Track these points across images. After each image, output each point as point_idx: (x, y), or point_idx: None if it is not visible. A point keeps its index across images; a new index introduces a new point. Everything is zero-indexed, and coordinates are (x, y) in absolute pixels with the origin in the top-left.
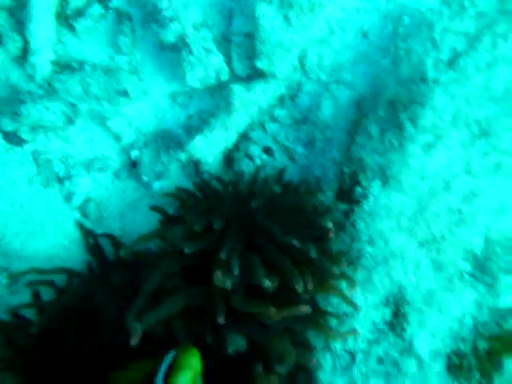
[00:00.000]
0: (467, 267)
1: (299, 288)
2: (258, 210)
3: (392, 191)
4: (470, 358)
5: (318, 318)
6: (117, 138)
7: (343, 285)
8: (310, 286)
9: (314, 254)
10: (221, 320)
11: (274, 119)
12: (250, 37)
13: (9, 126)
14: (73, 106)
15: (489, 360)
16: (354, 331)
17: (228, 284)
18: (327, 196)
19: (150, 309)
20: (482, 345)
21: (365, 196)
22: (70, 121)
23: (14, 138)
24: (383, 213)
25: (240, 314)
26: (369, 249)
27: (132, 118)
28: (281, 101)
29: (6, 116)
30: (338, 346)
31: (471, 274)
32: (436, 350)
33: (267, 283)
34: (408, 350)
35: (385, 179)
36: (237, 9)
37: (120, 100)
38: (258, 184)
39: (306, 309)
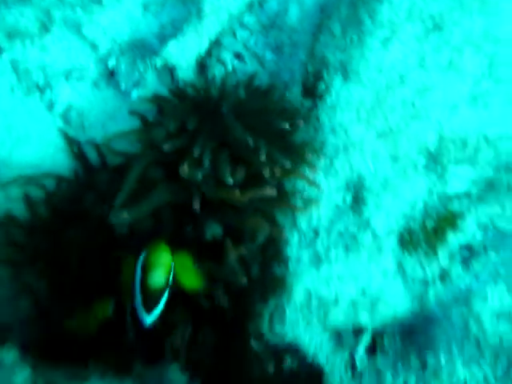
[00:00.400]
0: (422, 160)
1: (266, 173)
2: (228, 113)
3: (352, 84)
4: (418, 234)
5: (284, 198)
6: (93, 46)
7: (307, 171)
8: (278, 172)
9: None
10: (196, 206)
11: (243, 26)
12: None
13: None
14: (47, 12)
15: (435, 234)
16: (316, 202)
17: (199, 176)
18: (294, 94)
19: (133, 201)
20: (430, 223)
21: (327, 91)
22: (45, 28)
23: None
24: (344, 105)
25: (215, 204)
26: (331, 139)
27: (106, 27)
28: (250, 7)
29: None
30: (303, 224)
31: (425, 166)
32: (390, 227)
33: (230, 180)
34: (365, 226)
35: (346, 74)
36: None
37: (93, 8)
38: (227, 89)
39: (271, 191)
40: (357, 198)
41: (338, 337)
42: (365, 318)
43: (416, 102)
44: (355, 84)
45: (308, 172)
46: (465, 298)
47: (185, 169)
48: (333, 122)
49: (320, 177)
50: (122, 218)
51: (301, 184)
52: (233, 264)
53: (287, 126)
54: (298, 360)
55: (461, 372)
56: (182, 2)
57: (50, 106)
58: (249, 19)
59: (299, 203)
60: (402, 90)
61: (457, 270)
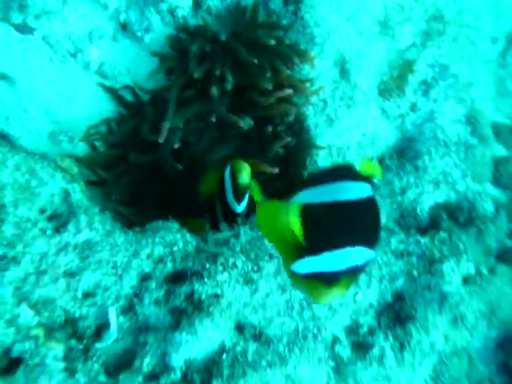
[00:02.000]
0: (377, 28)
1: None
2: (228, 40)
3: None
4: (390, 83)
5: (299, 87)
6: (104, 7)
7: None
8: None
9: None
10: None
11: None
12: None
13: (18, 18)
14: None
15: (400, 80)
16: (322, 88)
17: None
18: (276, 3)
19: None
20: (395, 73)
21: None
22: (64, 2)
23: (24, 29)
24: (319, 2)
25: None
26: (317, 31)
27: None
28: None
29: (14, 10)
30: (314, 99)
31: (380, 32)
32: (370, 84)
33: (268, 85)
34: (354, 88)
35: None
36: None
37: None
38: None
39: (288, 91)
40: (343, 70)
41: None
42: (370, 152)
43: None
44: None
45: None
46: (430, 118)
47: (213, 90)
48: (314, 18)
49: (317, 62)
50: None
51: (305, 72)
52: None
53: (272, 43)
54: None
55: (439, 164)
56: None
57: (86, 67)
58: None
59: (310, 87)
60: None
61: (421, 100)
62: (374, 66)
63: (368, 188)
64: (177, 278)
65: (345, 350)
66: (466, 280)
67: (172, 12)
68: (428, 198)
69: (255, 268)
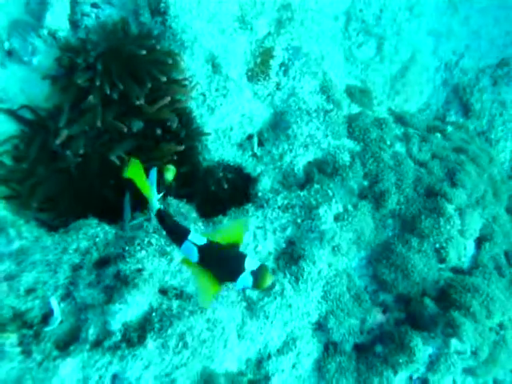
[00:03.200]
0: (237, 24)
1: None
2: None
3: None
4: (255, 69)
5: (176, 88)
6: None
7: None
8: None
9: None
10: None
11: None
12: None
13: None
14: None
15: (263, 65)
16: (197, 84)
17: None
18: (146, 17)
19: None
20: (258, 60)
21: (168, 7)
22: None
23: None
24: (181, 12)
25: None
26: (185, 36)
27: None
28: None
29: None
30: (195, 94)
31: (240, 28)
32: (239, 73)
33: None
34: (227, 79)
35: None
36: None
37: None
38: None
39: (166, 99)
40: (214, 65)
41: (240, 146)
42: (250, 129)
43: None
44: None
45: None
46: (293, 93)
47: (91, 98)
48: (180, 25)
49: (190, 62)
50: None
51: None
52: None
53: (143, 52)
54: (229, 168)
55: (306, 130)
56: None
57: None
58: None
59: (188, 84)
60: None
61: (283, 80)
62: (239, 57)
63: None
64: (103, 262)
65: (254, 292)
66: (337, 218)
67: (53, 35)
68: (301, 159)
69: (167, 242)
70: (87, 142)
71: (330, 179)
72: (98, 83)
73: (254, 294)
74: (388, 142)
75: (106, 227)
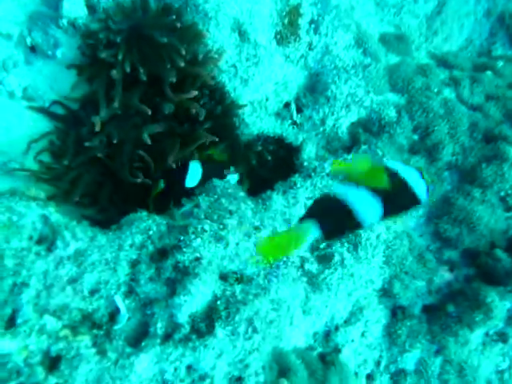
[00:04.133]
0: None
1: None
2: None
3: None
4: (284, 31)
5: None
6: (8, 36)
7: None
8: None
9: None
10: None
11: None
12: None
13: None
14: None
15: (292, 25)
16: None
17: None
18: None
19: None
20: (286, 20)
21: None
22: None
23: None
24: None
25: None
26: (207, 6)
27: (5, 16)
28: None
29: None
30: (223, 66)
31: None
32: (268, 38)
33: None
34: (255, 45)
35: None
36: None
37: None
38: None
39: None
40: (241, 32)
41: (279, 116)
42: (287, 97)
43: None
44: None
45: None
46: (326, 51)
47: (113, 73)
48: None
49: (216, 34)
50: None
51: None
52: None
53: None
54: (269, 139)
55: (345, 89)
56: None
57: (11, 96)
58: None
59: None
60: None
61: (315, 38)
62: (266, 20)
63: None
64: (161, 255)
65: (313, 265)
66: None
67: (73, 23)
68: (344, 121)
69: (221, 226)
70: (119, 129)
71: (377, 138)
72: (120, 57)
73: (313, 268)
74: (435, 90)
75: (157, 218)
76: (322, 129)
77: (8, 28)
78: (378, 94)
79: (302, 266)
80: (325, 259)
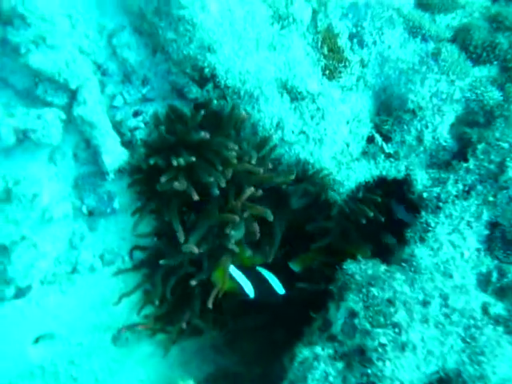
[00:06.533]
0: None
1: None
2: None
3: None
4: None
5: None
6: (66, 216)
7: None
8: None
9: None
10: None
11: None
12: None
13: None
14: None
15: (332, 52)
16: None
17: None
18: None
19: None
20: (325, 51)
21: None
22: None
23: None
24: (231, 60)
25: None
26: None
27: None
28: None
29: None
30: None
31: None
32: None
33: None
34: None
35: None
36: None
37: None
38: None
39: None
40: (290, 90)
41: (366, 155)
42: (365, 130)
43: None
44: None
45: None
46: (383, 59)
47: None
48: (237, 77)
49: (267, 107)
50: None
51: None
52: None
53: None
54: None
55: (426, 93)
56: None
57: (92, 270)
58: None
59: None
60: None
61: (364, 52)
62: (305, 61)
63: None
64: None
65: None
66: None
67: (117, 170)
68: (442, 127)
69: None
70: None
71: (490, 128)
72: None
73: None
74: None
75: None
76: (422, 148)
77: (62, 209)
78: (462, 78)
79: None
80: None
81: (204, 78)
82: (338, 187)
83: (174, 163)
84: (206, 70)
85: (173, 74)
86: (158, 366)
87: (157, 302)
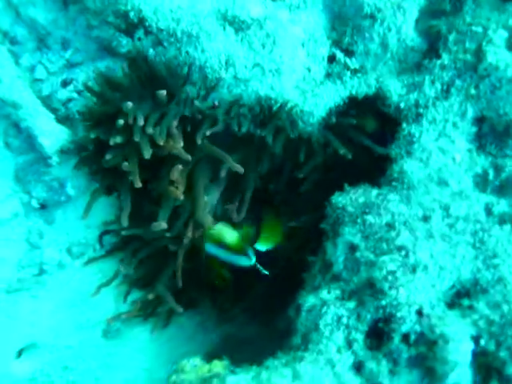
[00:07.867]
0: None
1: None
2: None
3: None
4: None
5: None
6: (15, 215)
7: None
8: None
9: None
10: None
11: None
12: None
13: None
14: None
15: None
16: None
17: None
18: None
19: None
20: None
21: None
22: None
23: None
24: None
25: None
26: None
27: None
28: None
29: None
30: None
31: None
32: None
33: None
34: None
35: None
36: None
37: None
38: None
39: None
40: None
41: (332, 76)
42: (325, 49)
43: None
44: None
45: None
46: None
47: None
48: None
49: None
50: None
51: None
52: None
53: None
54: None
55: None
56: None
57: (61, 266)
58: None
59: None
60: None
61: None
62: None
63: None
64: None
65: None
66: None
67: (59, 152)
68: (407, 25)
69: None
70: None
71: (459, 15)
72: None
73: None
74: None
75: None
76: (389, 54)
77: (9, 208)
78: None
79: None
80: None
81: (132, 24)
82: (307, 118)
83: (111, 142)
84: (132, 14)
85: (94, 28)
86: (159, 350)
87: (131, 271)
